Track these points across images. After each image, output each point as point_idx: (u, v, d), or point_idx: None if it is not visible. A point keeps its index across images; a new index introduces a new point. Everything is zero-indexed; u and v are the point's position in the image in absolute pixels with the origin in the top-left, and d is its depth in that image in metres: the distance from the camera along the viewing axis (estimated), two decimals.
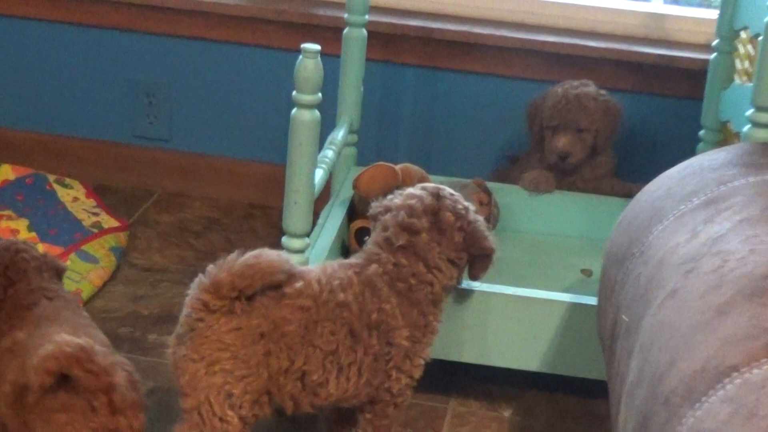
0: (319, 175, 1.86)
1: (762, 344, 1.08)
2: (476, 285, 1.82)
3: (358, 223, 2.05)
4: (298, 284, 1.54)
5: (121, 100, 2.62)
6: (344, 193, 2.16)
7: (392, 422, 1.67)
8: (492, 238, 1.73)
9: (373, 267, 1.62)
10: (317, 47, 1.73)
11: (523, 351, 1.88)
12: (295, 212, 1.78)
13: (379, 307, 1.60)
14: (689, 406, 1.08)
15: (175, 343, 1.54)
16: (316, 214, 1.92)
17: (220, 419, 1.51)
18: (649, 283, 1.37)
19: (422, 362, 1.65)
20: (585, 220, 2.32)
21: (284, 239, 1.78)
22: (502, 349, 1.88)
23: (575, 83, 2.32)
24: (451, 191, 1.71)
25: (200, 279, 1.51)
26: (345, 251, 2.08)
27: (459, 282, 1.71)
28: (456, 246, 1.66)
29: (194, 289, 1.52)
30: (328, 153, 2.02)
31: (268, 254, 1.52)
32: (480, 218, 1.73)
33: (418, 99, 2.61)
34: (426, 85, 2.58)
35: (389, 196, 1.75)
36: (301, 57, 1.72)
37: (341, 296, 1.58)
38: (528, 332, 1.86)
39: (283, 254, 1.56)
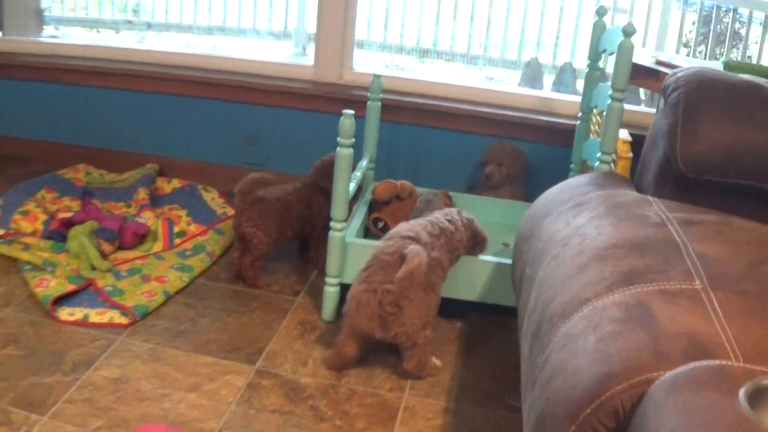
0: (352, 186, 2.27)
1: (603, 286, 1.21)
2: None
3: (373, 215, 2.50)
4: (416, 246, 1.95)
5: (236, 142, 3.12)
6: (366, 196, 2.59)
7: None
8: (485, 232, 2.17)
9: (424, 222, 2.10)
10: (352, 112, 2.08)
11: (469, 289, 2.20)
12: (339, 207, 2.20)
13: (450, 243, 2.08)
14: (562, 321, 1.18)
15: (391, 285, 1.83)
16: (350, 209, 2.31)
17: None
18: (542, 251, 1.45)
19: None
20: (506, 214, 2.73)
21: (332, 222, 2.21)
22: (460, 288, 2.21)
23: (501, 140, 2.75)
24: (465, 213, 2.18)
25: (399, 276, 1.85)
26: (366, 230, 2.51)
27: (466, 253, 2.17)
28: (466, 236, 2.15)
29: (396, 284, 1.85)
30: (357, 174, 2.46)
31: (414, 248, 1.90)
32: (479, 225, 2.18)
33: (411, 144, 3.00)
34: (415, 136, 2.99)
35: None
36: (342, 118, 2.06)
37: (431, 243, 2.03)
38: (472, 280, 2.20)
39: (416, 246, 1.92)
